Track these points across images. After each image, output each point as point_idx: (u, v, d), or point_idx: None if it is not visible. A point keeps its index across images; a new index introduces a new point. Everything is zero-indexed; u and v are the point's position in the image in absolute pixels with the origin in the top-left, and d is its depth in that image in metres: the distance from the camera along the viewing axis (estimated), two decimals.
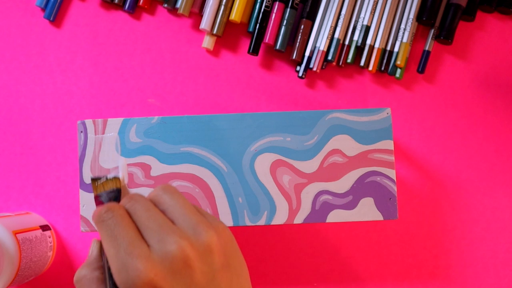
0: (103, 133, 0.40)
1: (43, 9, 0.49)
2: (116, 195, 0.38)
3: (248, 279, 0.34)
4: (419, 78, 0.49)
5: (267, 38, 0.48)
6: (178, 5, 0.48)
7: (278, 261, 0.47)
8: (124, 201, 0.33)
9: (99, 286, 0.32)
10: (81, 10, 0.49)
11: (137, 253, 0.30)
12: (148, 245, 0.31)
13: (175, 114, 0.48)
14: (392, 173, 0.39)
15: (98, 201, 0.37)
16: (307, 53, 0.48)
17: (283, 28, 0.48)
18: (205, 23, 0.48)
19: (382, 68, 0.48)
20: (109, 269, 0.31)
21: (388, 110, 0.40)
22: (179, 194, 0.34)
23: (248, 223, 0.39)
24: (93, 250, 0.34)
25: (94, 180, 0.38)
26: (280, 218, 0.39)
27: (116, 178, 0.38)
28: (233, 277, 0.33)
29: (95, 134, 0.40)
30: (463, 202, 0.48)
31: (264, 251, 0.47)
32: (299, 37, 0.48)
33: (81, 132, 0.40)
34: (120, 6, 0.49)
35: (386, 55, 0.48)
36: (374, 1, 0.48)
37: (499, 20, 0.49)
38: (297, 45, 0.48)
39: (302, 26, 0.48)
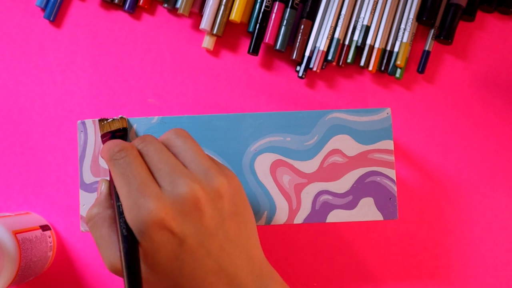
0: None
1: (43, 9, 0.49)
2: (123, 135, 0.38)
3: (256, 231, 0.34)
4: (419, 78, 0.49)
5: (267, 38, 0.48)
6: (178, 5, 0.48)
7: (278, 261, 0.47)
8: (136, 141, 0.33)
9: (111, 224, 0.32)
10: (81, 10, 0.49)
11: (149, 192, 0.30)
12: (159, 187, 0.31)
13: (175, 114, 0.48)
14: (392, 173, 0.39)
15: (105, 140, 0.37)
16: (307, 53, 0.48)
17: (283, 28, 0.48)
18: (205, 23, 0.48)
19: (382, 68, 0.48)
20: (118, 207, 0.31)
21: (388, 110, 0.40)
22: (191, 139, 0.33)
23: None
24: (102, 189, 0.34)
25: (101, 120, 0.38)
26: (280, 218, 0.39)
27: (123, 118, 0.39)
28: (241, 226, 0.32)
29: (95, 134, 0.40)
30: (463, 202, 0.48)
31: (264, 251, 0.47)
32: (299, 37, 0.48)
33: (81, 132, 0.40)
34: (120, 6, 0.49)
35: (386, 55, 0.48)
36: (374, 1, 0.48)
37: (499, 20, 0.49)
38: (297, 45, 0.48)
39: (302, 26, 0.48)
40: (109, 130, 0.38)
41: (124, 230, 0.30)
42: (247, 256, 0.32)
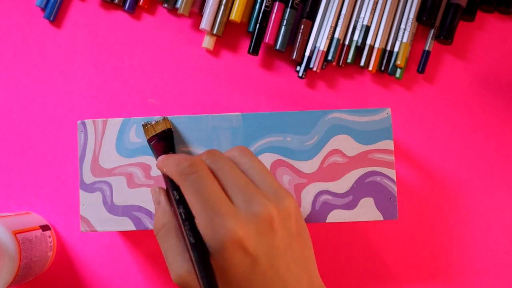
0: (103, 133, 0.40)
1: (43, 9, 0.49)
2: (169, 136, 0.38)
3: (313, 252, 0.33)
4: (419, 78, 0.49)
5: (267, 38, 0.48)
6: (178, 5, 0.48)
7: None
8: (204, 156, 0.32)
9: (178, 233, 0.32)
10: (81, 10, 0.49)
11: (225, 211, 0.29)
12: (233, 204, 0.30)
13: (175, 114, 0.48)
14: (392, 173, 0.39)
15: (154, 144, 0.36)
16: (307, 53, 0.48)
17: (283, 28, 0.48)
18: (205, 23, 0.48)
19: (382, 68, 0.48)
20: (181, 214, 0.31)
21: (388, 110, 0.40)
22: (256, 157, 0.33)
23: None
24: (160, 199, 0.34)
25: (144, 124, 0.38)
26: None
27: (165, 120, 0.38)
28: (304, 248, 0.32)
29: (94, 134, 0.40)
30: (463, 202, 0.48)
31: None
32: (299, 37, 0.48)
33: (81, 132, 0.40)
34: (120, 6, 0.49)
35: (386, 55, 0.48)
36: (374, 1, 0.48)
37: (499, 20, 0.49)
38: (297, 45, 0.48)
39: (302, 26, 0.48)
40: (154, 133, 0.37)
41: (191, 238, 0.30)
42: (309, 277, 0.32)
